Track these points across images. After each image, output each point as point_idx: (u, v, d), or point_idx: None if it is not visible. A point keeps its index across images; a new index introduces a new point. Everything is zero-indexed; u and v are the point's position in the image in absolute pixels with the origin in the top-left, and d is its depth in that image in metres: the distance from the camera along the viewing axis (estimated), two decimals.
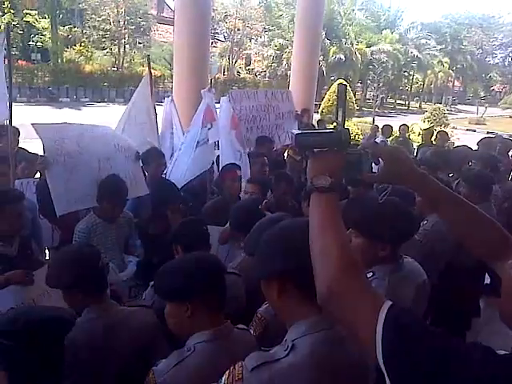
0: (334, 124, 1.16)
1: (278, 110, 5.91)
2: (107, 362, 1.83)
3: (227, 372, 1.16)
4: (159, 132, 5.20)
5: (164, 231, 3.42)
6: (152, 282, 2.07)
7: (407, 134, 10.06)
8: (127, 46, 31.27)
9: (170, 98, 5.93)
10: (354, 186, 3.34)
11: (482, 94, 46.37)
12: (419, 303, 1.85)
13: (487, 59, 50.56)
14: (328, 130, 1.17)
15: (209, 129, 4.67)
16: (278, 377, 1.11)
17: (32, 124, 3.37)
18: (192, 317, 1.55)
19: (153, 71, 5.26)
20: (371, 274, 1.74)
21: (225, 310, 1.66)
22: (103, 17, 28.69)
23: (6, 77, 3.57)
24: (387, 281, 1.69)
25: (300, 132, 1.20)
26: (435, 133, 8.29)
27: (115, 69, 30.54)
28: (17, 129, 4.58)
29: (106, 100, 26.01)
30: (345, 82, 22.24)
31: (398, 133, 9.91)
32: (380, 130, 9.84)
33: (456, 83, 52.60)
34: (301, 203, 3.62)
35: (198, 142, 4.65)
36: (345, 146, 1.15)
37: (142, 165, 4.25)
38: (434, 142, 7.86)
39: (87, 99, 25.73)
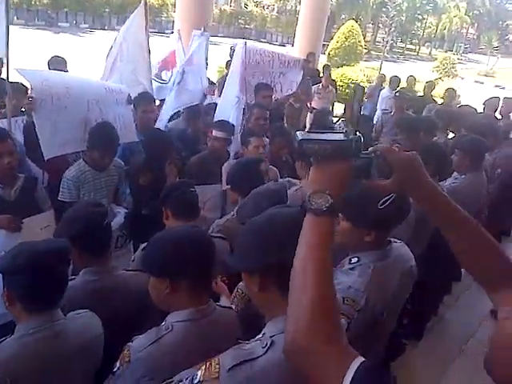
0: (345, 130, 1.03)
1: (284, 58, 5.61)
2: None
3: (203, 367, 1.13)
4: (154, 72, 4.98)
5: (154, 183, 3.36)
6: (143, 245, 2.03)
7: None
8: None
9: (177, 36, 5.66)
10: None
11: (496, 43, 44.55)
12: (403, 290, 1.83)
13: (507, 5, 48.18)
14: (337, 138, 1.04)
15: (182, 73, 4.54)
16: (257, 376, 1.09)
17: (17, 69, 3.22)
18: (171, 294, 1.51)
19: None
20: (356, 259, 1.70)
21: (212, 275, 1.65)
22: None
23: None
24: (371, 268, 1.64)
25: (304, 138, 1.04)
26: (444, 90, 8.11)
27: None
28: None
29: (106, 28, 24.97)
30: (355, 23, 21.38)
31: (406, 84, 9.65)
32: (387, 80, 9.49)
33: (470, 30, 50.58)
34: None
35: (173, 84, 4.59)
36: (355, 156, 1.03)
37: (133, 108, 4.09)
38: (442, 99, 7.81)
39: (87, 25, 24.72)
